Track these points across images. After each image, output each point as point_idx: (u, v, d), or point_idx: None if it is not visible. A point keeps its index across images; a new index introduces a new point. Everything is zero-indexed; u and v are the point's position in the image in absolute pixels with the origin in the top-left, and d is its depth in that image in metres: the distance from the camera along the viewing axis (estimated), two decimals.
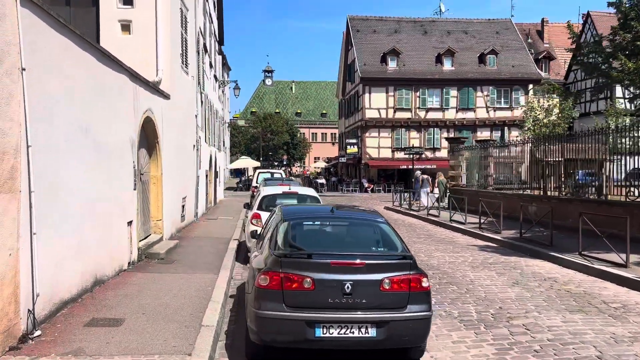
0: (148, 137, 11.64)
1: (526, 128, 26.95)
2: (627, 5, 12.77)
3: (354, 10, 62.03)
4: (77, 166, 6.95)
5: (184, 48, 15.29)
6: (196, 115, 17.99)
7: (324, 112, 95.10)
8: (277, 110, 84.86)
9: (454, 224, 17.89)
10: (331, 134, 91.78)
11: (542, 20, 51.23)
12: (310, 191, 11.96)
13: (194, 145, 17.66)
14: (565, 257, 10.95)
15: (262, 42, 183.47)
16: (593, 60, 14.40)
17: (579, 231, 11.24)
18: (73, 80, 6.84)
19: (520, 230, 13.86)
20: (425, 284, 5.08)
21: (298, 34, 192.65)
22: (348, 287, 4.86)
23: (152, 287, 8.00)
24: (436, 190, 23.48)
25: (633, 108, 16.36)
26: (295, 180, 28.60)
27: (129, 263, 9.48)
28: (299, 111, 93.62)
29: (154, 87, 11.54)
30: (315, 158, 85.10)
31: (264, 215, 10.98)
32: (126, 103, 9.40)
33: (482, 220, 16.49)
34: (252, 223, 11.04)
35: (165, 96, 12.58)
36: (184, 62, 15.31)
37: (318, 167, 73.32)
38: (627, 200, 13.00)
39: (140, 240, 10.56)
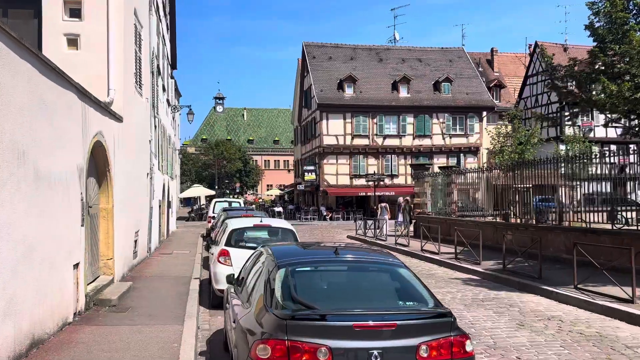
0: (98, 165, 10.19)
1: (492, 154, 26.85)
2: (604, 27, 12.46)
3: (306, 38, 61.61)
4: (10, 200, 5.54)
5: (138, 67, 13.94)
6: (150, 141, 16.52)
7: (277, 139, 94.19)
8: (228, 137, 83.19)
9: (427, 254, 17.04)
10: (284, 161, 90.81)
11: (492, 50, 52.57)
12: (283, 223, 10.76)
13: (148, 174, 16.15)
14: (562, 292, 10.18)
15: (213, 69, 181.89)
16: (567, 83, 14.07)
17: (574, 263, 10.51)
18: (7, 92, 5.48)
19: (503, 262, 13.09)
20: (469, 347, 4.01)
21: (248, 62, 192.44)
22: (376, 358, 3.73)
23: (104, 347, 6.55)
24: (400, 216, 22.74)
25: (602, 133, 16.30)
26: (256, 210, 27.24)
27: (74, 313, 7.95)
28: (251, 138, 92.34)
29: (105, 108, 10.15)
30: (268, 186, 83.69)
31: (234, 252, 9.72)
32: (73, 125, 8.01)
33: (457, 250, 15.70)
34: (219, 261, 9.72)
35: (118, 118, 11.18)
36: (138, 83, 13.94)
37: (271, 195, 71.88)
38: (614, 228, 12.48)
39: (87, 284, 9.03)
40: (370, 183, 39.21)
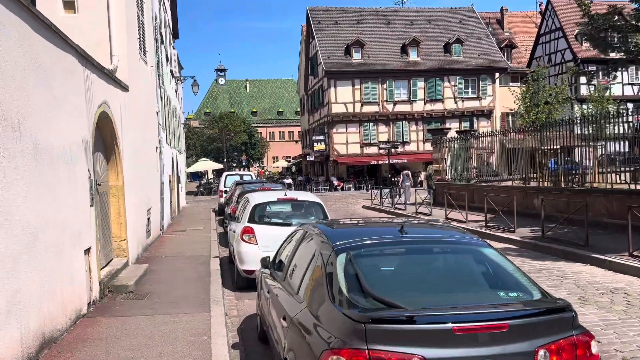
0: (104, 138, 9.28)
1: (517, 116, 25.66)
2: None
3: (310, 4, 59.02)
4: (4, 179, 4.65)
5: (141, 32, 12.88)
6: (157, 113, 15.55)
7: (281, 110, 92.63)
8: (232, 110, 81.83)
9: (454, 223, 16.19)
10: (289, 132, 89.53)
11: (502, 9, 50.64)
12: (309, 196, 9.87)
13: (157, 147, 15.24)
14: (616, 260, 9.31)
15: (213, 40, 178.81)
16: (607, 34, 12.93)
17: (628, 228, 9.63)
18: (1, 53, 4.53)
19: (542, 228, 12.20)
20: (594, 349, 3.15)
21: (249, 32, 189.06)
22: None
23: (124, 344, 5.76)
24: (424, 183, 21.85)
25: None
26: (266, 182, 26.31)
27: (89, 304, 7.16)
28: (254, 110, 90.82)
29: (109, 76, 9.18)
30: (273, 158, 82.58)
31: (259, 229, 8.88)
32: (76, 93, 7.07)
33: (487, 218, 14.84)
34: (243, 240, 8.88)
35: (124, 87, 10.21)
36: (142, 49, 12.89)
37: (278, 167, 70.94)
38: None
39: (100, 269, 8.23)
40: (382, 151, 38.25)
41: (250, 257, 8.69)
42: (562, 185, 15.59)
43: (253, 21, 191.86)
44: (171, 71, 25.82)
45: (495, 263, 3.75)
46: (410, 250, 3.94)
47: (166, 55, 21.96)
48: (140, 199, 11.85)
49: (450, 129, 24.80)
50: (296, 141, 79.90)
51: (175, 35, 30.79)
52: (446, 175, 22.65)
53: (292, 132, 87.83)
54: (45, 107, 5.78)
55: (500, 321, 2.95)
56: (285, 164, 68.91)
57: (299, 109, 69.85)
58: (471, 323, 2.93)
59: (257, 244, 8.78)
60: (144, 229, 12.24)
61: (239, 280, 9.02)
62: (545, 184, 16.73)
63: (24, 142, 5.09)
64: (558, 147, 16.74)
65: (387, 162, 36.84)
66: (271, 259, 5.74)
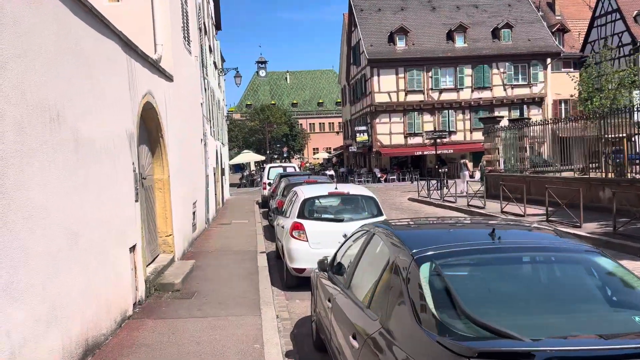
0: (149, 130, 8.93)
1: (579, 102, 24.15)
2: None
3: None
4: (42, 175, 4.25)
5: (185, 21, 12.52)
6: (202, 104, 15.24)
7: (321, 101, 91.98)
8: (272, 102, 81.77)
9: (510, 217, 15.26)
10: (329, 123, 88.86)
11: None
12: (362, 190, 9.26)
13: (201, 139, 14.94)
14: None
15: (253, 33, 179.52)
16: None
17: None
18: (27, 32, 4.11)
19: (613, 223, 11.22)
20: None
21: (289, 24, 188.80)
22: None
23: (171, 351, 5.33)
24: (477, 174, 20.88)
25: None
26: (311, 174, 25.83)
27: (134, 304, 6.82)
28: (295, 101, 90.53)
29: (154, 65, 8.80)
30: (314, 149, 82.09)
31: (309, 225, 8.36)
32: (119, 82, 6.69)
33: (548, 212, 13.87)
34: (293, 236, 8.36)
35: (168, 77, 9.85)
36: (186, 38, 12.54)
37: (318, 158, 70.41)
38: None
39: (146, 266, 7.90)
40: (427, 141, 37.17)
41: (301, 254, 8.19)
42: (629, 177, 14.45)
43: (293, 12, 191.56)
44: (214, 62, 25.61)
45: (615, 276, 3.07)
46: (508, 260, 3.27)
47: (209, 46, 21.69)
48: (186, 193, 11.54)
49: (503, 117, 23.63)
50: (337, 132, 79.19)
51: (217, 27, 30.60)
52: (499, 165, 21.58)
53: (332, 123, 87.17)
54: (86, 97, 5.39)
55: None
56: (325, 155, 68.39)
57: (339, 100, 69.04)
58: None
59: (307, 240, 8.26)
60: (189, 223, 11.94)
61: (289, 279, 8.54)
62: (610, 175, 15.58)
63: (64, 134, 4.69)
64: (624, 135, 15.57)
65: (431, 152, 35.83)
66: (329, 260, 5.19)
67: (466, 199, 19.43)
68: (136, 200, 7.17)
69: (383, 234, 3.94)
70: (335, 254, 5.14)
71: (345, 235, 8.12)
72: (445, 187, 22.64)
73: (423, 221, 4.80)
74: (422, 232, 4.06)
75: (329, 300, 4.53)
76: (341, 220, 8.48)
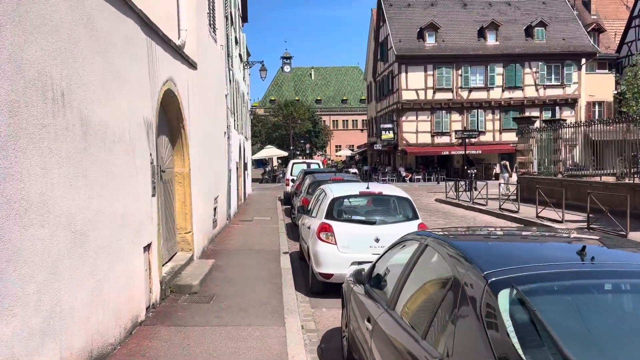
0: (170, 120, 8.38)
1: (624, 102, 23.00)
2: None
3: None
4: (42, 164, 3.67)
5: (211, 8, 11.96)
6: (226, 96, 14.69)
7: (345, 98, 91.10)
8: (296, 98, 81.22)
9: (546, 222, 14.39)
10: (352, 120, 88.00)
11: None
12: (396, 190, 8.56)
13: (225, 132, 14.40)
14: None
15: (278, 28, 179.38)
16: None
17: None
18: (41, 3, 3.53)
19: None
20: None
21: (315, 20, 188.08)
22: None
23: None
24: (514, 177, 19.99)
25: None
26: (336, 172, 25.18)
27: (147, 307, 6.26)
28: (319, 98, 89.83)
29: (177, 50, 8.24)
30: (336, 146, 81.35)
31: (338, 227, 7.71)
32: (137, 64, 6.11)
33: (590, 219, 12.98)
34: (320, 238, 7.72)
35: (192, 64, 9.28)
36: (212, 26, 11.98)
37: (341, 156, 69.66)
38: None
39: (162, 265, 7.34)
40: (455, 141, 36.23)
41: (329, 258, 7.56)
42: None
43: (319, 8, 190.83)
44: (240, 55, 25.11)
45: None
46: (609, 288, 2.57)
47: (235, 37, 21.17)
48: (208, 187, 11.00)
49: (537, 117, 22.63)
50: (362, 129, 78.35)
51: (244, 19, 30.09)
52: (532, 168, 20.63)
53: (356, 120, 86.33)
54: (99, 79, 4.82)
55: None
56: (348, 152, 67.64)
57: (363, 97, 68.15)
58: None
59: (336, 244, 7.61)
60: (210, 219, 11.39)
61: (314, 284, 7.90)
62: None
63: (70, 118, 4.11)
64: None
65: (459, 152, 34.81)
66: (366, 271, 4.54)
67: (498, 202, 18.55)
68: (153, 195, 6.61)
69: (437, 245, 3.27)
70: (374, 265, 4.48)
71: (377, 240, 7.55)
72: (474, 189, 21.76)
73: (484, 231, 4.08)
74: (491, 247, 3.35)
75: (368, 321, 3.87)
76: (373, 223, 7.82)
